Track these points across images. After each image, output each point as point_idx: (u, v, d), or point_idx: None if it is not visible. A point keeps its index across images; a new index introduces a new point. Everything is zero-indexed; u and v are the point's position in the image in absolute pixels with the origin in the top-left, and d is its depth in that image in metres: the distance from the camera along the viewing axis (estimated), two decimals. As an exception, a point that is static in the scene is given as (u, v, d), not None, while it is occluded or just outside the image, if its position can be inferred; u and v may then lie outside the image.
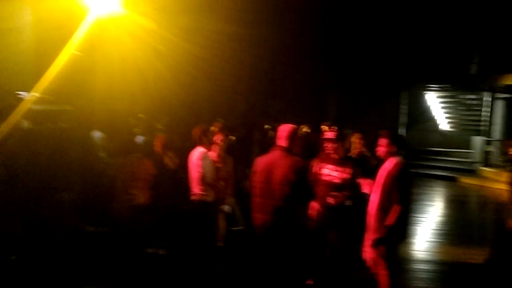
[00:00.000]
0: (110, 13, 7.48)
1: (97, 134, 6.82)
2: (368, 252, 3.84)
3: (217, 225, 4.98)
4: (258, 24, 9.87)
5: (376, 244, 3.61)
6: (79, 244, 5.52)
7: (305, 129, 7.61)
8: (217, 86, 10.00)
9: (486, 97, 13.89)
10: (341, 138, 4.43)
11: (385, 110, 15.43)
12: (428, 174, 13.01)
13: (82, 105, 6.95)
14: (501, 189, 9.85)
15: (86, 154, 5.84)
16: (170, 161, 5.44)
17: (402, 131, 15.27)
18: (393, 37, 13.57)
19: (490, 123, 13.59)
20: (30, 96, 6.91)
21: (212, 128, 5.27)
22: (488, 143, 13.23)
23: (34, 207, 4.99)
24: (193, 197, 4.80)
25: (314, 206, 4.52)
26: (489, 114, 13.69)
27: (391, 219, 3.55)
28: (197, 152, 4.73)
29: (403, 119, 15.62)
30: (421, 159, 14.57)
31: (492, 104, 13.66)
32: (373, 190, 3.82)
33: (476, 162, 13.64)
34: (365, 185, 4.11)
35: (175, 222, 5.54)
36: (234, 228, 6.05)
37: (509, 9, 11.74)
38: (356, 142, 5.22)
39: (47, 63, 6.93)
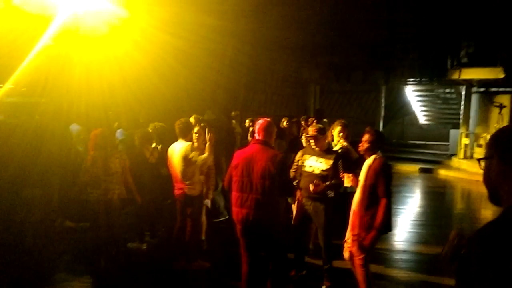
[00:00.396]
0: (88, 4, 7.28)
1: (75, 128, 6.66)
2: (350, 246, 3.87)
3: (196, 219, 4.92)
4: (239, 17, 9.78)
5: (369, 243, 3.65)
6: (57, 240, 5.42)
7: (285, 122, 7.60)
8: (198, 79, 9.88)
9: (462, 91, 14.21)
10: (323, 132, 4.45)
11: (365, 104, 15.64)
12: (406, 166, 13.26)
13: (58, 98, 6.77)
14: (478, 180, 10.13)
15: (63, 147, 5.69)
16: (150, 155, 5.35)
17: (381, 124, 15.51)
18: (373, 31, 13.69)
19: (466, 116, 13.92)
20: (3, 88, 6.69)
21: (192, 121, 5.20)
22: (465, 135, 13.55)
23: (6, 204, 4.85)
24: (177, 192, 4.72)
25: (298, 197, 4.55)
26: (465, 107, 14.02)
27: (380, 215, 3.61)
28: (180, 146, 4.65)
29: (382, 113, 15.86)
30: (400, 152, 14.84)
31: (468, 97, 13.98)
32: (357, 186, 3.85)
33: (453, 155, 13.97)
34: (348, 179, 4.13)
35: (157, 216, 5.48)
36: (217, 220, 6.02)
37: (484, 5, 11.99)
38: (337, 135, 5.23)
39: (21, 54, 6.69)
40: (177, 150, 4.65)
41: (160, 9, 7.70)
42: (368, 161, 3.77)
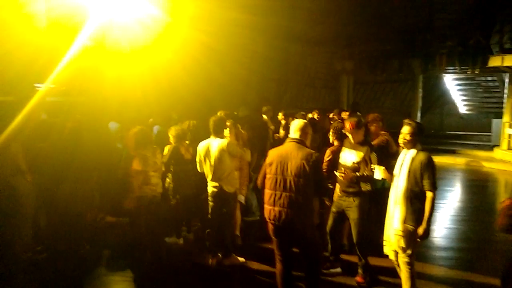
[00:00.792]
0: (124, 6, 7.43)
1: (113, 125, 6.84)
2: (394, 244, 3.78)
3: (231, 216, 4.94)
4: (270, 12, 9.70)
5: (423, 237, 3.59)
6: (98, 235, 5.60)
7: (315, 115, 7.56)
8: (230, 75, 9.90)
9: (506, 78, 13.49)
10: (360, 125, 4.38)
11: (401, 94, 15.16)
12: (446, 158, 12.79)
13: (95, 96, 6.97)
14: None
15: (102, 145, 5.84)
16: (185, 151, 5.40)
17: (418, 115, 14.99)
18: (409, 18, 13.22)
19: (510, 105, 13.22)
20: (45, 87, 6.95)
21: (224, 117, 5.20)
22: (509, 125, 12.88)
23: (52, 198, 5.03)
24: (212, 188, 4.75)
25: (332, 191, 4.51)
26: (508, 96, 13.30)
27: (429, 208, 3.57)
28: (218, 142, 4.67)
29: (420, 103, 15.30)
30: (439, 144, 14.31)
31: (508, 85, 13.26)
32: (399, 180, 3.74)
33: (495, 146, 13.34)
34: (380, 171, 4.03)
35: (193, 211, 5.55)
36: (248, 219, 6.05)
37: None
38: (374, 128, 5.15)
39: (60, 53, 6.93)
40: (215, 146, 4.65)
41: (191, 6, 7.74)
42: (412, 154, 3.67)
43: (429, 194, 3.58)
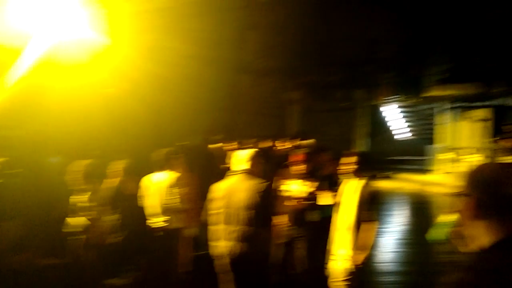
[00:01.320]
0: (66, 32, 7.21)
1: (54, 160, 6.50)
2: (338, 267, 3.85)
3: (179, 252, 4.78)
4: (217, 45, 9.88)
5: (363, 263, 3.65)
6: (33, 278, 5.18)
7: (266, 144, 7.63)
8: (178, 105, 9.85)
9: (441, 106, 14.54)
10: (309, 157, 4.50)
11: (346, 122, 15.82)
12: (386, 182, 13.36)
13: (35, 129, 6.61)
14: (455, 195, 10.25)
15: (38, 180, 5.52)
16: (134, 185, 5.22)
17: (361, 142, 15.68)
18: (352, 49, 13.94)
19: (444, 131, 14.23)
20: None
21: (173, 150, 5.11)
22: (443, 150, 13.83)
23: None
24: (157, 224, 4.60)
25: (280, 222, 4.54)
26: (441, 122, 14.34)
27: (371, 236, 3.64)
28: (164, 176, 4.56)
29: (363, 130, 16.05)
30: (380, 169, 14.96)
31: (445, 113, 14.33)
32: (345, 209, 3.84)
33: (432, 170, 14.19)
34: (324, 197, 4.15)
35: (137, 249, 5.32)
36: (198, 253, 5.88)
37: (461, 22, 12.44)
38: (322, 158, 5.30)
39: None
40: (160, 181, 4.54)
41: (140, 36, 7.68)
42: (358, 184, 3.78)
43: (372, 224, 3.69)
